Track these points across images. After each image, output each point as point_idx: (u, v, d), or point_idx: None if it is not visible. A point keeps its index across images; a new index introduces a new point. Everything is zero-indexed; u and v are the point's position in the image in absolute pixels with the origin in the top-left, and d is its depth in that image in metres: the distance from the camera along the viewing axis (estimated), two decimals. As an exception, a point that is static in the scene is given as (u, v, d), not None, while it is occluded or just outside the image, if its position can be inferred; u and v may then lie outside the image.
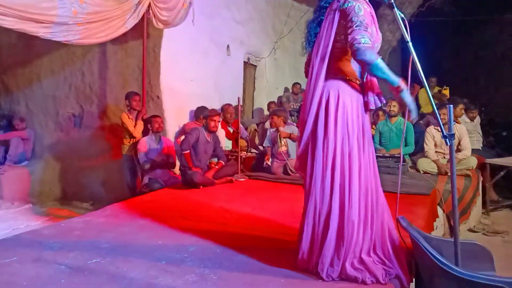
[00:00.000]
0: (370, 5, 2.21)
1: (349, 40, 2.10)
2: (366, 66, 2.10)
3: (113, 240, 2.83)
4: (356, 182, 2.17)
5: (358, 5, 2.12)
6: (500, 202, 5.94)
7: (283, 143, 5.34)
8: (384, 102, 2.21)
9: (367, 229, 2.21)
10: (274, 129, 5.61)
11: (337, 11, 2.19)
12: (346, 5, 2.15)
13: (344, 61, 2.25)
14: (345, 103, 2.21)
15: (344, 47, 2.21)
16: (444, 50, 12.01)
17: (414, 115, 2.12)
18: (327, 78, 2.24)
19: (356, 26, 2.08)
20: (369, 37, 2.08)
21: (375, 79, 2.25)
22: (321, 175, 2.21)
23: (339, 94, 2.21)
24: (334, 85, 2.24)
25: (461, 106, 6.21)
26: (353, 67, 2.26)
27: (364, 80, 2.29)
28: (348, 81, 2.25)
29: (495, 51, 11.24)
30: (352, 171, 2.17)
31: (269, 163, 5.53)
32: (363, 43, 2.04)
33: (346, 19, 2.15)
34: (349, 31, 2.11)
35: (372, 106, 2.24)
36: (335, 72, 2.25)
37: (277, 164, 5.35)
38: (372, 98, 2.23)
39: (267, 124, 7.04)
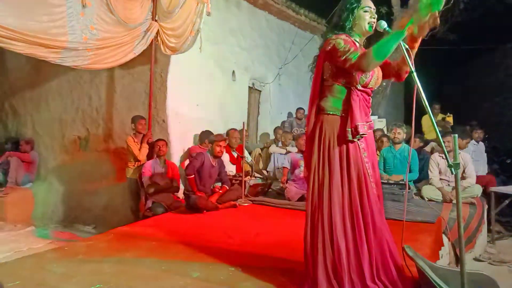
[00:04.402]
0: (349, 37, 2.36)
1: (349, 69, 2.26)
2: (379, 63, 2.24)
3: (116, 265, 2.82)
4: (339, 207, 2.27)
5: (337, 41, 2.29)
6: (501, 232, 5.87)
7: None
8: (360, 133, 2.30)
9: (363, 254, 2.23)
10: (296, 152, 5.61)
11: (322, 53, 2.41)
12: (329, 47, 2.32)
13: (329, 97, 2.42)
14: (326, 134, 2.37)
15: (329, 85, 2.41)
16: (447, 77, 12.12)
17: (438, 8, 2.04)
18: (318, 112, 2.45)
19: (343, 56, 2.24)
20: (354, 52, 2.20)
21: (354, 113, 2.31)
22: (309, 199, 2.40)
23: (322, 126, 2.39)
24: (320, 119, 2.42)
25: (467, 140, 6.20)
26: (338, 102, 2.38)
27: (345, 113, 2.38)
28: (333, 115, 2.39)
29: (497, 79, 11.33)
30: (333, 197, 2.28)
31: (286, 185, 5.46)
32: (355, 59, 2.19)
33: (332, 59, 2.33)
34: (342, 63, 2.26)
35: (350, 137, 2.32)
36: (324, 107, 2.42)
37: (295, 189, 5.27)
38: (349, 129, 2.31)
39: (271, 149, 7.07)
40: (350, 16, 2.37)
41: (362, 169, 2.32)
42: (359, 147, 2.34)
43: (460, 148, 5.90)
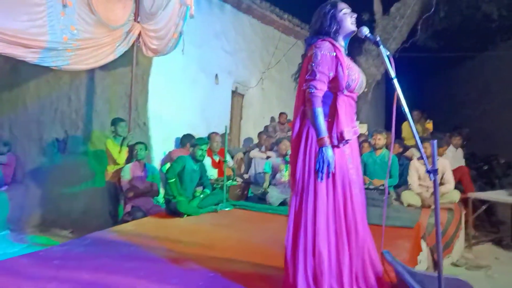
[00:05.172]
0: (336, 47, 2.33)
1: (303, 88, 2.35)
2: (308, 110, 2.32)
3: (93, 271, 2.76)
4: (323, 214, 2.24)
5: (316, 52, 2.30)
6: (478, 237, 5.98)
7: (288, 172, 5.30)
8: (346, 139, 2.29)
9: (343, 261, 2.22)
10: (276, 156, 5.59)
11: (305, 58, 2.41)
12: (309, 53, 2.36)
13: None
14: (313, 139, 2.32)
15: None
16: (427, 84, 12.35)
17: (318, 176, 2.22)
18: (304, 117, 2.41)
19: (307, 76, 2.31)
20: (315, 85, 2.27)
21: (339, 118, 2.32)
22: (292, 205, 2.36)
23: (308, 132, 2.35)
24: (306, 124, 2.38)
25: (444, 147, 6.30)
26: (324, 107, 2.35)
27: (331, 119, 2.37)
28: None
29: (476, 86, 11.60)
30: (318, 203, 2.25)
31: (268, 190, 5.45)
32: (309, 92, 2.28)
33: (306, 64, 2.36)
34: (303, 79, 2.35)
35: (335, 143, 2.30)
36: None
37: (277, 194, 5.24)
38: (334, 134, 2.30)
39: (251, 153, 7.06)
40: (333, 21, 2.37)
41: (348, 176, 2.32)
42: (344, 153, 2.34)
43: (438, 155, 5.99)
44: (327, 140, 2.21)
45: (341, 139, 2.28)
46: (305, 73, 2.35)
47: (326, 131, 2.24)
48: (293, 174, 2.44)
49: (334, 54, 2.30)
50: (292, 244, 2.33)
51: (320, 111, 2.25)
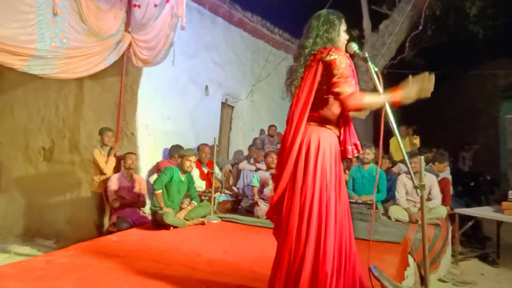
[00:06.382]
0: (350, 59, 2.27)
1: (335, 93, 2.16)
2: (361, 110, 2.19)
3: (76, 282, 2.71)
4: (332, 232, 2.15)
5: (340, 58, 2.18)
6: (464, 253, 6.00)
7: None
8: (361, 151, 2.24)
9: (340, 280, 2.18)
10: (263, 170, 5.58)
11: (320, 62, 2.24)
12: (328, 58, 2.20)
13: (325, 110, 2.28)
14: (325, 150, 2.23)
15: (326, 97, 2.26)
16: (415, 100, 12.50)
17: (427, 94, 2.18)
18: (307, 125, 2.27)
19: (338, 79, 2.15)
20: (351, 85, 2.15)
21: (352, 129, 2.28)
22: (297, 223, 2.17)
23: (319, 142, 2.24)
24: (315, 132, 2.26)
25: (445, 163, 6.34)
26: (333, 116, 2.29)
27: (343, 129, 2.34)
28: (328, 129, 2.29)
29: (462, 103, 11.78)
30: (329, 221, 2.15)
31: (258, 203, 5.41)
32: (348, 92, 2.12)
33: (328, 71, 2.20)
34: (333, 83, 2.17)
35: (350, 155, 2.26)
36: (316, 120, 2.29)
37: (265, 207, 5.18)
38: (350, 147, 2.27)
39: (241, 165, 7.05)
40: (337, 34, 2.35)
41: (346, 190, 2.31)
42: (342, 166, 2.33)
43: (439, 171, 6.06)
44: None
45: (358, 151, 2.27)
46: (315, 78, 2.22)
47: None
48: (292, 188, 2.25)
49: (349, 63, 2.23)
50: (298, 263, 2.15)
51: (368, 96, 2.15)
